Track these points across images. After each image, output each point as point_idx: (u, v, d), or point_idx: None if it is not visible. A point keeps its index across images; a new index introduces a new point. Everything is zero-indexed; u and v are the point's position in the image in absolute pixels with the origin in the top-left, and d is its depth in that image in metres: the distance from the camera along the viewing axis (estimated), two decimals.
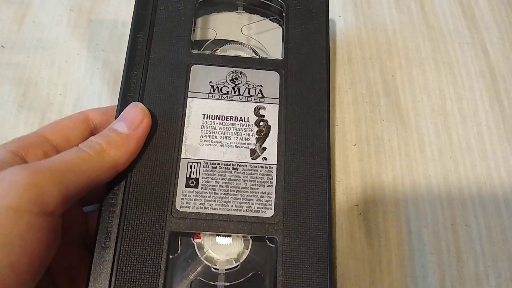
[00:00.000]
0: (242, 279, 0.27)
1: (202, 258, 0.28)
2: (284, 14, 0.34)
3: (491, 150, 0.36)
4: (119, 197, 0.27)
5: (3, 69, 0.38)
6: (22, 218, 0.22)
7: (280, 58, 0.32)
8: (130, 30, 0.32)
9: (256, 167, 0.29)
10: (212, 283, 0.27)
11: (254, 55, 0.34)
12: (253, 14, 0.36)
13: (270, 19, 0.36)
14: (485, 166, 0.35)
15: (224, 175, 0.28)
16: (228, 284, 0.27)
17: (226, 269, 0.28)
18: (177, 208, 0.27)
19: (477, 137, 0.36)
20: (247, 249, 0.28)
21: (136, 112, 0.28)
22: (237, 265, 0.28)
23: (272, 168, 0.29)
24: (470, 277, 0.32)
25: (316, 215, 0.28)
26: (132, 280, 0.26)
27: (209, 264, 0.28)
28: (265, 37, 0.35)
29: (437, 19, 0.41)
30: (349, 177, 0.34)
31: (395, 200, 0.34)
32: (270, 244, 0.28)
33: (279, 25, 0.35)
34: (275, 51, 0.34)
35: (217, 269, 0.28)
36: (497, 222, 0.33)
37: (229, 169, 0.28)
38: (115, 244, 0.26)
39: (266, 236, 0.27)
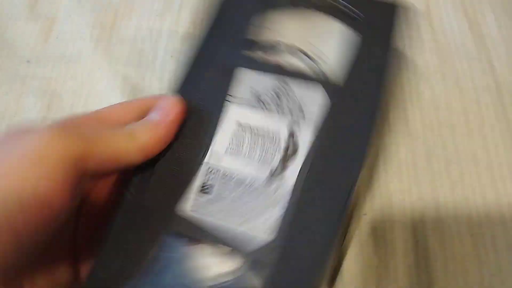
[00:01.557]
0: None
1: (194, 266, 0.27)
2: (353, 27, 0.31)
3: (496, 162, 0.36)
4: (137, 189, 0.28)
5: (28, 82, 0.40)
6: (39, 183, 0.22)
7: (334, 74, 0.29)
8: (203, 29, 0.31)
9: (271, 187, 0.27)
10: None
11: (309, 62, 0.31)
12: (318, 15, 0.32)
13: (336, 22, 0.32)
14: (490, 176, 0.36)
15: (238, 188, 0.27)
16: None
17: (220, 283, 0.26)
18: (185, 209, 0.27)
19: (483, 150, 0.37)
20: (242, 266, 0.26)
21: (169, 100, 0.28)
22: (228, 281, 0.26)
23: (288, 192, 0.27)
24: (475, 285, 0.32)
25: (319, 250, 0.25)
26: (124, 268, 0.26)
27: (201, 274, 0.26)
28: (326, 43, 0.32)
29: (444, 35, 0.42)
30: (358, 186, 0.36)
31: (402, 209, 0.35)
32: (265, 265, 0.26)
33: (345, 31, 0.31)
34: (332, 63, 0.31)
35: (211, 281, 0.26)
36: (502, 231, 0.34)
37: (245, 182, 0.28)
38: (120, 232, 0.27)
39: (260, 260, 0.26)
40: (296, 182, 0.27)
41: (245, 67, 0.30)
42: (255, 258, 0.26)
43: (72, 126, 0.25)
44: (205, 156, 0.28)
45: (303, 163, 0.27)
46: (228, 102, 0.29)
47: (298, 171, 0.27)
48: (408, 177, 0.36)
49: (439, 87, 0.40)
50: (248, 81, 0.30)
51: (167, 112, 0.28)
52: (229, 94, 0.30)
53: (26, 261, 0.24)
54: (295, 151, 0.28)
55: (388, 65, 0.29)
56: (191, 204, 0.28)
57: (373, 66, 0.29)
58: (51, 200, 0.23)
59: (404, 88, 0.40)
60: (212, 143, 0.29)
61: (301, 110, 0.29)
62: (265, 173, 0.28)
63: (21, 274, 0.25)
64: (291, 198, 0.27)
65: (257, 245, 0.26)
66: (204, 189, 0.28)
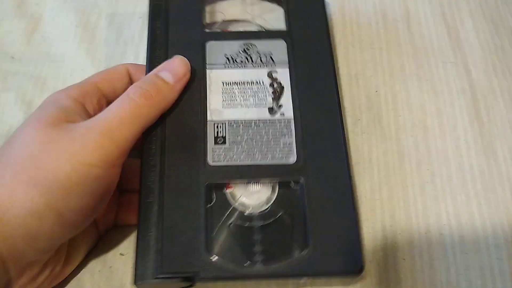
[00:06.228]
0: (272, 219, 0.31)
1: (235, 206, 0.32)
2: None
3: (468, 163, 0.37)
4: (157, 157, 0.31)
5: (11, 78, 0.41)
6: (92, 172, 0.26)
7: (284, 29, 0.37)
8: (148, 19, 0.36)
9: (275, 122, 0.33)
10: (247, 224, 0.31)
11: (259, 27, 0.38)
12: None
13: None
14: (461, 178, 0.36)
15: (248, 131, 0.32)
16: (262, 224, 0.31)
17: (258, 212, 0.32)
18: (209, 163, 0.31)
19: (455, 151, 0.37)
20: (275, 193, 0.32)
21: (182, 64, 0.32)
22: (267, 208, 0.32)
23: (290, 121, 0.33)
24: (441, 284, 0.33)
25: (335, 157, 0.32)
26: (176, 227, 0.29)
27: (242, 210, 0.32)
28: (268, 17, 0.39)
29: (422, 39, 0.43)
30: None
31: (372, 208, 0.35)
32: (295, 187, 0.32)
33: (280, 6, 0.39)
34: (279, 26, 0.38)
35: (250, 213, 0.32)
36: (471, 232, 0.34)
37: (251, 125, 0.32)
38: (158, 198, 0.30)
39: (291, 180, 0.31)
40: (293, 112, 0.33)
41: (214, 40, 0.36)
42: (285, 182, 0.32)
43: (104, 132, 0.28)
44: (206, 116, 0.33)
45: (292, 97, 0.34)
46: (208, 70, 0.34)
47: (291, 104, 0.33)
48: (379, 177, 0.36)
49: (414, 90, 0.40)
50: (219, 50, 0.35)
51: (179, 77, 0.31)
52: (207, 63, 0.35)
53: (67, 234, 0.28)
54: (281, 89, 0.34)
55: (323, 11, 0.37)
56: (211, 157, 0.31)
57: (311, 17, 0.37)
58: (102, 194, 0.28)
59: (380, 90, 0.40)
60: (208, 104, 0.33)
61: (272, 59, 0.35)
62: (265, 113, 0.33)
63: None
64: (296, 126, 0.33)
65: (284, 170, 0.31)
66: (218, 141, 0.32)
